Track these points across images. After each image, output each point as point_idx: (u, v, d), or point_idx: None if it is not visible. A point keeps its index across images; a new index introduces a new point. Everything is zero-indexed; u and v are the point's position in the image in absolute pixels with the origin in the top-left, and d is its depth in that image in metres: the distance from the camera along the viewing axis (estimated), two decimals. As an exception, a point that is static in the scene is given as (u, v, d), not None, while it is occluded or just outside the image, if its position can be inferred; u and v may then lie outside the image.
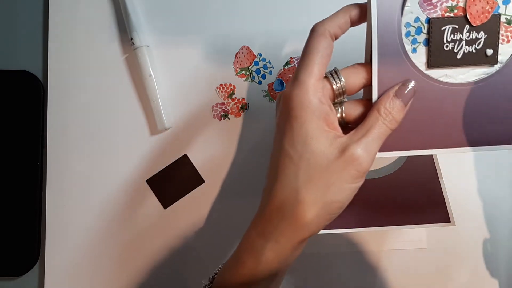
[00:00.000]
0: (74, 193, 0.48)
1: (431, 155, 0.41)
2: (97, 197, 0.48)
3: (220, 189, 0.47)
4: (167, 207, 0.48)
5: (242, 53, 0.48)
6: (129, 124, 0.48)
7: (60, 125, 0.48)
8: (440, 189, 0.41)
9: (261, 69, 0.48)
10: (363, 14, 0.34)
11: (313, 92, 0.32)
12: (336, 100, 0.34)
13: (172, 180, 0.48)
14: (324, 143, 0.31)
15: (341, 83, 0.34)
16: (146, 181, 0.48)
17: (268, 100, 0.48)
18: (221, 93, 0.48)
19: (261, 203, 0.35)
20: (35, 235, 0.47)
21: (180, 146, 0.48)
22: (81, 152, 0.48)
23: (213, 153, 0.48)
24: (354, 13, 0.34)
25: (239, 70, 0.48)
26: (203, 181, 0.48)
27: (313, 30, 0.34)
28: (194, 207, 0.47)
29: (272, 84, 0.48)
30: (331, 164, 0.31)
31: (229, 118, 0.48)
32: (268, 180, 0.34)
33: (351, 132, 0.32)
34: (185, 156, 0.48)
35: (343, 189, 0.32)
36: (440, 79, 0.34)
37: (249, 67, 0.48)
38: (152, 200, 0.48)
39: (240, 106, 0.48)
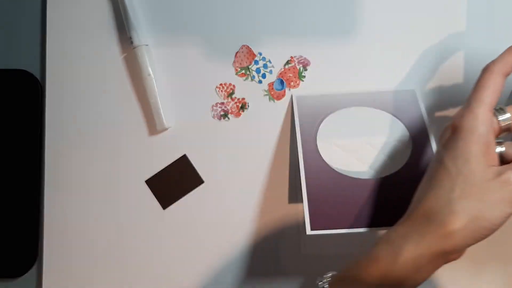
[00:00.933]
0: (73, 193, 0.47)
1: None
2: (96, 197, 0.47)
3: (220, 189, 0.47)
4: (166, 207, 0.47)
5: (242, 52, 0.48)
6: (128, 124, 0.48)
7: (59, 124, 0.48)
8: None
9: (261, 68, 0.48)
10: None
11: (482, 120, 0.34)
12: (499, 137, 0.36)
13: (171, 181, 0.47)
14: (483, 165, 0.33)
15: (507, 119, 0.36)
16: (145, 181, 0.47)
17: (268, 99, 0.47)
18: (220, 92, 0.48)
19: (408, 210, 0.36)
20: (33, 236, 0.47)
21: (180, 146, 0.47)
22: (79, 152, 0.48)
23: (213, 153, 0.47)
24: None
25: (239, 69, 0.48)
26: (203, 181, 0.47)
27: (486, 69, 0.36)
28: (194, 207, 0.47)
29: (273, 84, 0.48)
30: (487, 183, 0.33)
31: (229, 118, 0.47)
32: (420, 189, 0.36)
33: (508, 164, 0.34)
34: (185, 156, 0.47)
35: (495, 209, 0.33)
36: None
37: (249, 67, 0.48)
38: (151, 201, 0.47)
39: (240, 105, 0.48)
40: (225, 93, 0.48)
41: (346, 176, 0.44)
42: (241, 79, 0.48)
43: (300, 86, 0.47)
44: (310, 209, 0.42)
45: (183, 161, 0.47)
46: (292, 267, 0.47)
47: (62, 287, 0.47)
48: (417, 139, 0.45)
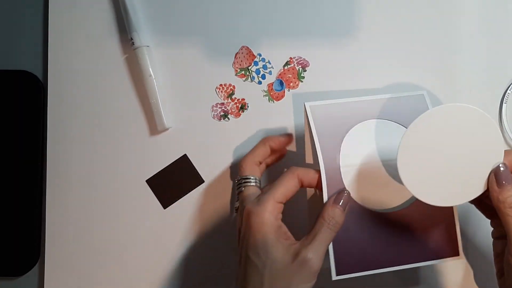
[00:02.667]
0: (74, 193, 0.48)
1: None
2: (97, 197, 0.48)
3: (220, 189, 0.47)
4: (167, 207, 0.48)
5: (242, 53, 0.48)
6: (129, 124, 0.48)
7: (60, 125, 0.48)
8: (454, 223, 0.41)
9: (260, 69, 0.48)
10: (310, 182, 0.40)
11: (270, 211, 0.38)
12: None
13: (172, 180, 0.48)
14: (282, 251, 0.37)
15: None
16: (146, 181, 0.48)
17: (268, 100, 0.48)
18: (220, 93, 0.48)
19: None
20: (35, 235, 0.47)
21: (180, 146, 0.48)
22: (81, 152, 0.48)
23: (213, 153, 0.48)
24: (306, 179, 0.40)
25: (238, 70, 0.48)
26: (203, 181, 0.48)
27: (289, 169, 0.40)
28: (194, 207, 0.47)
29: (272, 84, 0.48)
30: (288, 268, 0.36)
31: (228, 118, 0.48)
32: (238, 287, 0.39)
33: (303, 239, 0.38)
34: (185, 156, 0.48)
35: None
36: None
37: (249, 67, 0.48)
38: (152, 200, 0.48)
39: (239, 106, 0.48)
40: (225, 94, 0.48)
41: (370, 209, 0.40)
42: (240, 79, 0.48)
43: (299, 86, 0.48)
44: (335, 252, 0.39)
45: (184, 161, 0.48)
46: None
47: (64, 286, 0.47)
48: None
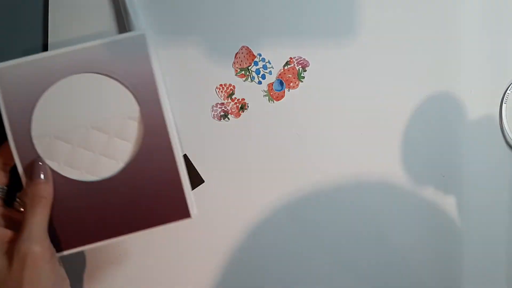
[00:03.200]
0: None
1: (170, 146, 0.38)
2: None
3: (220, 189, 0.47)
4: (167, 207, 0.48)
5: (242, 53, 0.48)
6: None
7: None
8: (181, 184, 0.39)
9: (261, 69, 0.48)
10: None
11: None
12: None
13: (172, 180, 0.47)
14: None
15: None
16: (146, 181, 0.48)
17: (268, 100, 0.48)
18: (220, 93, 0.48)
19: None
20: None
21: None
22: (81, 152, 0.48)
23: (213, 153, 0.48)
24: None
25: (238, 70, 0.48)
26: (203, 181, 0.48)
27: None
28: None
29: (272, 84, 0.48)
30: (8, 274, 0.33)
31: (228, 118, 0.48)
32: None
33: (20, 230, 0.34)
34: (185, 156, 0.48)
35: (47, 278, 0.34)
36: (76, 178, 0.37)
37: (249, 67, 0.48)
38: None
39: (239, 106, 0.48)
40: (225, 94, 0.48)
41: (79, 181, 0.38)
42: (240, 79, 0.48)
43: (299, 86, 0.48)
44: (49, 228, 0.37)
45: (184, 161, 0.48)
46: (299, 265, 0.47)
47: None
48: (148, 109, 0.38)
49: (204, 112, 0.48)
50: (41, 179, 0.35)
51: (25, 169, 0.36)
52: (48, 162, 0.37)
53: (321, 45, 0.48)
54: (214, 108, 0.48)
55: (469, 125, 0.47)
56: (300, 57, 0.48)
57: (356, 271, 0.47)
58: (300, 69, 0.48)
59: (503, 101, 0.47)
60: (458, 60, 0.48)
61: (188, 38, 0.48)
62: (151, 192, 0.38)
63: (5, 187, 0.37)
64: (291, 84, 0.48)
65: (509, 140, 0.47)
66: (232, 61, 0.48)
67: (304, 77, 0.48)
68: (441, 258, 0.47)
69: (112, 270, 0.47)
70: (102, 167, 0.38)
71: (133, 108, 0.38)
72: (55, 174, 0.37)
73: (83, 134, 0.38)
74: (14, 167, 0.38)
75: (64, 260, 0.47)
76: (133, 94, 0.38)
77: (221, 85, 0.48)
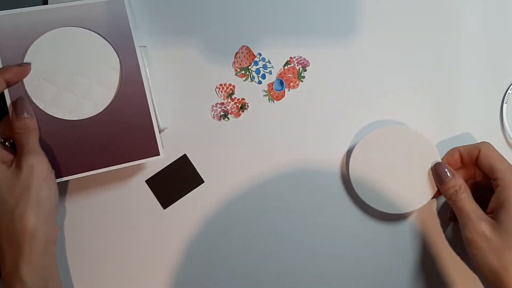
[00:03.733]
0: (73, 193, 0.48)
1: (144, 93, 0.43)
2: (97, 197, 0.47)
3: (220, 189, 0.47)
4: (167, 207, 0.48)
5: (242, 53, 0.48)
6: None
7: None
8: (151, 125, 0.43)
9: (260, 69, 0.48)
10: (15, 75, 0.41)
11: None
12: None
13: (172, 180, 0.47)
14: (6, 175, 0.40)
15: None
16: (146, 181, 0.48)
17: (268, 100, 0.48)
18: (220, 93, 0.48)
19: None
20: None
21: (180, 146, 0.48)
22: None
23: (213, 153, 0.47)
24: (8, 76, 0.41)
25: (238, 70, 0.48)
26: (203, 181, 0.47)
27: None
28: (194, 207, 0.47)
29: (272, 84, 0.48)
30: (18, 181, 0.39)
31: (228, 118, 0.48)
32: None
33: (20, 151, 0.40)
34: (185, 156, 0.48)
35: (45, 188, 0.40)
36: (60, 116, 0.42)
37: (249, 67, 0.48)
38: (152, 201, 0.47)
39: (239, 106, 0.48)
40: (225, 94, 0.48)
41: (62, 119, 0.42)
42: (240, 79, 0.48)
43: (299, 86, 0.48)
44: None
45: (183, 161, 0.48)
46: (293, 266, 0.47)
47: (63, 285, 0.47)
48: (126, 61, 0.43)
49: (204, 112, 0.48)
50: (24, 114, 0.41)
51: (12, 108, 0.41)
52: (35, 101, 0.42)
53: (321, 45, 0.48)
54: (214, 108, 0.48)
55: (470, 125, 0.47)
56: (300, 57, 0.48)
57: (355, 274, 0.47)
58: (300, 68, 0.48)
59: (504, 101, 0.47)
60: (458, 60, 0.47)
61: (188, 37, 0.48)
62: (126, 133, 0.43)
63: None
64: (291, 83, 0.48)
65: (509, 139, 0.47)
66: (232, 61, 0.48)
67: (304, 76, 0.48)
68: (441, 257, 0.46)
69: (112, 270, 0.47)
70: (83, 108, 0.43)
71: (113, 60, 0.43)
72: (41, 112, 0.42)
73: (68, 78, 0.43)
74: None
75: (64, 262, 0.47)
76: (114, 48, 0.43)
77: (221, 85, 0.48)
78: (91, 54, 0.43)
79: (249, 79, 0.48)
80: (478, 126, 0.47)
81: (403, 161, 0.46)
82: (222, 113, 0.48)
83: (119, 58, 0.43)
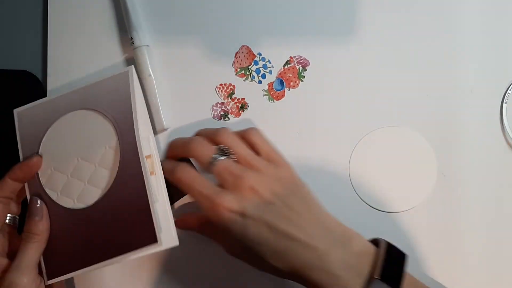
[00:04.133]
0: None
1: (141, 173, 0.40)
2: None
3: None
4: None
5: (242, 52, 0.48)
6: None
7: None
8: (149, 210, 0.39)
9: (261, 68, 0.48)
10: (24, 174, 0.41)
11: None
12: None
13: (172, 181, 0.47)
14: None
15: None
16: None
17: (268, 100, 0.48)
18: (220, 92, 0.48)
19: None
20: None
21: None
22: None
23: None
24: (17, 175, 0.41)
25: (238, 69, 0.48)
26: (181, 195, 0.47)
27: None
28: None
29: (272, 84, 0.48)
30: None
31: (228, 118, 0.48)
32: None
33: (12, 262, 0.38)
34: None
35: None
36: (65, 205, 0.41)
37: (249, 67, 0.48)
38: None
39: (239, 106, 0.48)
40: (225, 93, 0.48)
41: (70, 209, 0.40)
42: (241, 79, 0.48)
43: (299, 86, 0.48)
44: (44, 256, 0.40)
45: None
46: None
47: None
48: (124, 140, 0.40)
49: (204, 111, 0.48)
50: (36, 217, 0.40)
51: (28, 207, 0.41)
52: (49, 192, 0.41)
53: (321, 44, 0.48)
54: (214, 108, 0.48)
55: (470, 125, 0.47)
56: (300, 56, 0.48)
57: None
58: (300, 68, 0.48)
59: (504, 101, 0.47)
60: (459, 59, 0.47)
61: (188, 37, 0.48)
62: (125, 218, 0.40)
63: (17, 217, 0.42)
64: (291, 83, 0.48)
65: (509, 140, 0.47)
66: (232, 61, 0.48)
67: (304, 76, 0.48)
68: (441, 257, 0.47)
69: (112, 269, 0.47)
70: (88, 195, 0.41)
71: (111, 138, 0.41)
72: (54, 204, 0.41)
73: (75, 165, 0.41)
74: (26, 199, 0.42)
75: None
76: (112, 124, 0.41)
77: (221, 84, 0.48)
78: (94, 135, 0.41)
79: (249, 78, 0.48)
80: (478, 126, 0.47)
81: (402, 161, 0.46)
82: (222, 113, 0.48)
83: (117, 136, 0.41)
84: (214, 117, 0.48)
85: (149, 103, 0.46)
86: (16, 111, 0.43)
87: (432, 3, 0.48)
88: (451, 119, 0.47)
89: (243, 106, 0.48)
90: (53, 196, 0.41)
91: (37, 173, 0.41)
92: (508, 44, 0.48)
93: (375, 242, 0.39)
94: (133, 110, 0.41)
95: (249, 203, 0.38)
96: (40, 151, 0.42)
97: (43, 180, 0.41)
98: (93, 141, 0.41)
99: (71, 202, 0.41)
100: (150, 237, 0.38)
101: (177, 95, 0.48)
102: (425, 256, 0.47)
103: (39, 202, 0.40)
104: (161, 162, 0.41)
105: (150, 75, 0.46)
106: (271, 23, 0.48)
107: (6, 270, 0.38)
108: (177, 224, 0.42)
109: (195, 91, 0.48)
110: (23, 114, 0.43)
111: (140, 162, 0.40)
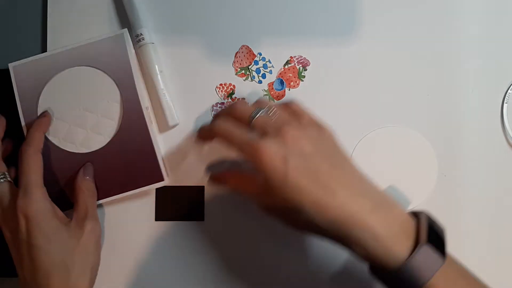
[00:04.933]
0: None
1: (144, 120, 0.46)
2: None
3: (220, 189, 0.47)
4: (159, 220, 0.48)
5: (242, 52, 0.48)
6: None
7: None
8: (154, 152, 0.45)
9: (261, 68, 0.48)
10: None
11: (44, 199, 0.41)
12: None
13: (177, 201, 0.47)
14: (65, 235, 0.41)
15: None
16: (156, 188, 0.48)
17: (268, 99, 0.48)
18: (221, 92, 0.48)
19: None
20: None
21: (180, 146, 0.48)
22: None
23: (213, 153, 0.47)
24: (45, 128, 0.45)
25: (239, 69, 0.48)
26: (203, 219, 0.47)
27: (21, 152, 0.42)
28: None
29: (272, 84, 0.48)
30: (77, 248, 0.41)
31: (229, 118, 0.48)
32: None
33: (74, 215, 0.42)
34: (202, 188, 0.47)
35: (97, 254, 0.43)
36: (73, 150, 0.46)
37: (249, 67, 0.48)
38: (152, 200, 0.48)
39: (240, 105, 0.48)
40: (225, 93, 0.48)
41: (75, 153, 0.46)
42: (241, 79, 0.48)
43: (300, 86, 0.48)
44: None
45: (198, 191, 0.47)
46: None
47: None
48: (126, 93, 0.46)
49: (204, 111, 0.48)
50: (90, 178, 0.45)
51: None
52: (50, 138, 0.46)
53: (321, 44, 0.48)
54: (214, 108, 0.48)
55: (470, 125, 0.47)
56: (301, 56, 0.48)
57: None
58: (301, 68, 0.48)
59: (504, 101, 0.47)
60: (459, 59, 0.47)
61: (188, 37, 0.48)
62: (131, 161, 0.46)
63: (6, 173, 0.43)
64: (292, 83, 0.48)
65: (510, 140, 0.47)
66: (232, 61, 0.48)
67: (304, 76, 0.48)
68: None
69: (112, 270, 0.48)
70: (92, 141, 0.46)
71: (115, 93, 0.46)
72: (56, 148, 0.46)
73: (77, 115, 0.46)
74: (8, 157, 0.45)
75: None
76: (115, 82, 0.46)
77: (221, 84, 0.48)
78: (96, 90, 0.46)
79: (249, 78, 0.48)
80: (478, 126, 0.47)
81: (403, 161, 0.46)
82: (222, 113, 0.48)
83: (119, 92, 0.46)
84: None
85: (160, 100, 0.46)
86: (11, 65, 0.46)
87: (432, 3, 0.48)
88: (451, 119, 0.47)
89: (243, 106, 0.48)
90: (55, 141, 0.46)
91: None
92: (509, 44, 0.47)
93: (413, 214, 0.39)
94: (132, 69, 0.46)
95: (291, 150, 0.36)
96: (39, 103, 0.46)
97: None
98: (95, 95, 0.46)
99: (74, 147, 0.46)
100: (158, 177, 0.46)
101: (177, 95, 0.48)
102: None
103: (92, 166, 0.46)
104: (200, 127, 0.45)
105: (161, 71, 0.46)
106: (271, 23, 0.48)
107: (67, 220, 0.42)
108: (212, 180, 0.46)
109: (195, 90, 0.48)
110: (19, 69, 0.46)
111: (143, 114, 0.46)
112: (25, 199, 0.40)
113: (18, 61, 0.46)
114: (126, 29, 0.46)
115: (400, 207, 0.37)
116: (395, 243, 0.35)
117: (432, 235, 0.36)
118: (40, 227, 0.39)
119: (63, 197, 0.45)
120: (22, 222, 0.40)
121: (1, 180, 0.42)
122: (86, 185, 0.44)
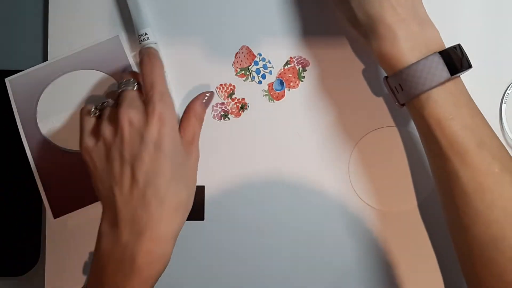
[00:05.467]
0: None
1: None
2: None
3: (220, 189, 0.47)
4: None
5: (242, 53, 0.48)
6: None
7: (60, 125, 0.48)
8: None
9: (261, 69, 0.48)
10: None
11: (174, 108, 0.42)
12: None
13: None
14: (183, 151, 0.42)
15: None
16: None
17: (268, 100, 0.48)
18: (220, 93, 0.48)
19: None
20: (35, 235, 0.48)
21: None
22: (81, 152, 0.48)
23: (213, 153, 0.48)
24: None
25: (239, 70, 0.48)
26: (203, 219, 0.47)
27: (155, 62, 0.43)
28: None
29: (272, 84, 0.48)
30: (188, 161, 0.42)
31: (229, 118, 0.48)
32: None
33: (183, 138, 0.43)
34: (203, 188, 0.47)
35: (195, 182, 0.44)
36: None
37: (249, 67, 0.48)
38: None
39: (240, 106, 0.48)
40: (225, 94, 0.48)
41: (74, 152, 0.46)
42: (241, 79, 0.48)
43: (299, 86, 0.48)
44: (48, 197, 0.45)
45: (198, 190, 0.47)
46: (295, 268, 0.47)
47: (65, 285, 0.47)
48: None
49: (204, 112, 0.48)
50: (205, 107, 0.46)
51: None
52: (51, 139, 0.46)
53: (321, 44, 0.48)
54: (214, 108, 0.48)
55: (469, 125, 0.47)
56: (300, 57, 0.48)
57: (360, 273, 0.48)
58: (300, 68, 0.48)
59: (503, 101, 0.47)
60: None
61: (188, 37, 0.48)
62: None
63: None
64: (291, 83, 0.48)
65: (509, 140, 0.47)
66: (232, 61, 0.48)
67: (304, 76, 0.48)
68: (442, 257, 0.47)
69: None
70: None
71: (116, 93, 0.45)
72: (56, 148, 0.46)
73: (77, 117, 0.45)
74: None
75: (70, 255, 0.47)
76: (115, 78, 0.47)
77: (221, 85, 0.48)
78: (96, 90, 0.47)
79: (249, 79, 0.48)
80: (477, 126, 0.47)
81: (402, 161, 0.46)
82: (222, 113, 0.48)
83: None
84: (214, 117, 0.48)
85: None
86: (7, 79, 0.46)
87: (432, 3, 0.48)
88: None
89: (243, 106, 0.48)
90: (56, 141, 0.46)
91: (37, 125, 0.46)
92: (507, 44, 0.48)
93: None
94: (132, 67, 0.46)
95: None
96: (38, 107, 0.46)
97: (43, 131, 0.46)
98: (99, 94, 0.47)
99: (75, 146, 0.46)
100: None
101: (176, 95, 0.48)
102: (425, 255, 0.47)
103: (209, 93, 0.46)
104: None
105: (165, 71, 0.46)
106: (271, 23, 0.48)
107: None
108: None
109: (195, 91, 0.48)
110: (15, 82, 0.46)
111: None
112: (163, 104, 0.40)
113: (14, 75, 0.47)
114: (119, 34, 0.47)
115: (436, 30, 0.40)
116: (412, 47, 0.38)
117: (451, 55, 0.38)
118: (170, 135, 0.40)
119: (64, 198, 0.45)
120: (156, 125, 0.39)
121: (134, 87, 0.43)
122: (200, 113, 0.44)
